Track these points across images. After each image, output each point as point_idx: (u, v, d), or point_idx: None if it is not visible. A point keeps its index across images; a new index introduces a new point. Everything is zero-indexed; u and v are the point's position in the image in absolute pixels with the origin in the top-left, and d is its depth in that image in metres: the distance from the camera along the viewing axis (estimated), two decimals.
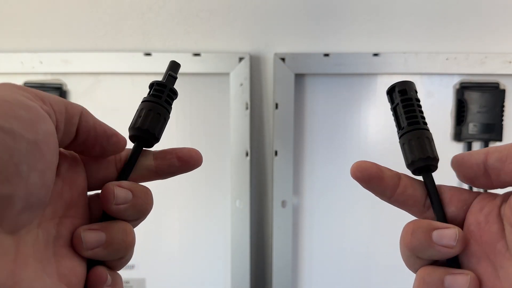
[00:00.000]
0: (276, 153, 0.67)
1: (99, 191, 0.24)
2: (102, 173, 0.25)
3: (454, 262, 0.23)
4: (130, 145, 0.26)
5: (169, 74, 0.27)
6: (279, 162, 0.67)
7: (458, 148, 0.67)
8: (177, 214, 0.70)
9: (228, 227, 0.69)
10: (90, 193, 0.25)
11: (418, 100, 0.26)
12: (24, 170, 0.19)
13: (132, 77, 0.68)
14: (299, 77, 0.68)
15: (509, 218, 0.22)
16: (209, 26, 0.68)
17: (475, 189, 0.26)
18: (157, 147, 0.27)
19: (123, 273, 0.75)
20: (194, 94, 0.68)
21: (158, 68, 0.66)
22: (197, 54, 0.66)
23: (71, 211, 0.23)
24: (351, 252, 0.71)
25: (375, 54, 0.66)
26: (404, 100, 0.26)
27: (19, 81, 0.67)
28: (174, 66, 0.27)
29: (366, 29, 0.68)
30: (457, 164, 0.24)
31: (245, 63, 0.66)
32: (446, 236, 0.22)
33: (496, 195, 0.24)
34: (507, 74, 0.66)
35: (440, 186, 0.25)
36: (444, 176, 0.27)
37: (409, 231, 0.23)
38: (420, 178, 0.25)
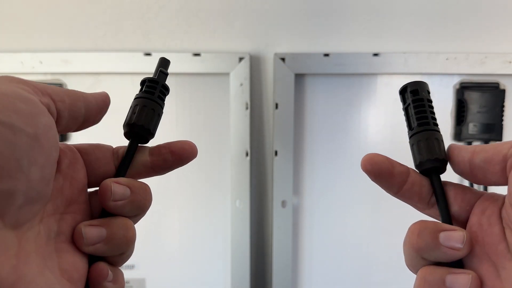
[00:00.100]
0: (276, 153, 0.67)
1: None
2: (102, 170, 0.25)
3: (456, 263, 0.23)
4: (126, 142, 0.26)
5: (160, 70, 0.27)
6: (279, 162, 0.67)
7: None
8: (177, 214, 0.70)
9: (228, 227, 0.69)
10: (90, 190, 0.25)
11: (430, 101, 0.26)
12: (25, 164, 0.19)
13: (132, 77, 0.68)
14: (299, 77, 0.68)
15: (507, 220, 0.22)
16: (209, 26, 0.68)
17: (475, 187, 0.26)
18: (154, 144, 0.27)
19: (123, 273, 0.75)
20: (194, 94, 0.68)
21: None
22: (197, 54, 0.66)
23: (72, 207, 0.23)
24: (351, 252, 0.71)
25: (375, 54, 0.66)
26: (415, 100, 0.26)
27: None
28: (164, 63, 0.27)
29: (366, 29, 0.68)
30: (448, 157, 0.25)
31: (245, 63, 0.66)
32: (454, 238, 0.22)
33: (498, 196, 0.24)
34: (507, 74, 0.66)
35: (446, 183, 0.25)
36: (446, 174, 0.27)
37: (415, 231, 0.23)
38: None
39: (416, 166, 0.25)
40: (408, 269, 0.25)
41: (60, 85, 0.67)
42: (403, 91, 0.26)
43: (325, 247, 0.71)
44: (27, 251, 0.20)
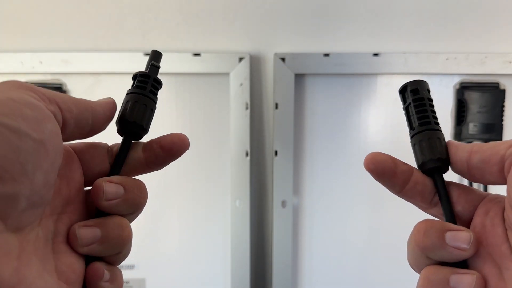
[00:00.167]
0: (276, 153, 0.67)
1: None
2: (98, 168, 0.25)
3: (461, 263, 0.23)
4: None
5: (151, 64, 0.26)
6: (279, 162, 0.67)
7: None
8: (177, 214, 0.70)
9: (228, 227, 0.69)
10: (87, 188, 0.25)
11: (431, 100, 0.26)
12: (29, 169, 0.19)
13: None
14: (299, 77, 0.68)
15: (509, 222, 0.22)
16: (209, 26, 0.68)
17: (475, 185, 0.26)
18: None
19: (123, 273, 0.75)
20: (194, 94, 0.68)
21: None
22: (197, 54, 0.66)
23: (69, 207, 0.23)
24: (351, 252, 0.71)
25: (375, 54, 0.66)
26: (416, 100, 0.25)
27: None
28: (156, 56, 0.27)
29: (366, 29, 0.68)
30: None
31: (245, 63, 0.66)
32: (460, 238, 0.22)
33: (502, 198, 0.24)
34: (507, 74, 0.66)
35: (449, 183, 0.25)
36: (447, 174, 0.27)
37: (421, 230, 0.23)
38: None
39: (419, 166, 0.25)
40: (409, 268, 0.25)
41: (60, 85, 0.67)
42: (403, 91, 0.26)
43: (325, 247, 0.71)
44: (28, 254, 0.20)
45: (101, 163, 0.25)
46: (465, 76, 0.67)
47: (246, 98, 0.67)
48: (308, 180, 0.70)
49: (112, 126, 0.26)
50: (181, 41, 0.68)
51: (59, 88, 0.67)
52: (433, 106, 0.25)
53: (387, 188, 0.25)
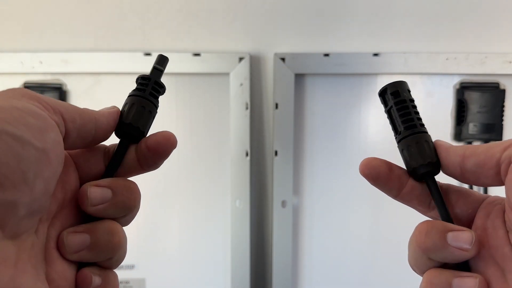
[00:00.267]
0: (276, 153, 0.67)
1: None
2: (93, 171, 0.25)
3: (463, 266, 0.23)
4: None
5: (154, 67, 0.26)
6: (279, 162, 0.67)
7: None
8: (177, 214, 0.70)
9: (228, 227, 0.69)
10: None
11: (413, 101, 0.25)
12: (30, 177, 0.19)
13: (132, 77, 0.67)
14: (299, 77, 0.68)
15: (509, 224, 0.22)
16: (209, 26, 0.68)
17: (475, 188, 0.26)
18: None
19: (123, 273, 0.75)
20: (194, 94, 0.68)
21: None
22: (197, 54, 0.66)
23: (64, 211, 0.23)
24: (351, 252, 0.71)
25: (375, 54, 0.66)
26: (397, 102, 0.25)
27: (19, 81, 0.67)
28: (161, 60, 0.27)
29: (366, 29, 0.68)
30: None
31: (245, 63, 0.66)
32: (462, 238, 0.22)
33: (502, 199, 0.23)
34: (507, 74, 0.66)
35: (449, 186, 0.25)
36: (445, 177, 0.27)
37: (423, 231, 0.23)
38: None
39: (410, 172, 0.25)
40: (409, 269, 0.25)
41: (60, 85, 0.67)
42: (383, 93, 0.25)
43: (325, 247, 0.71)
44: (23, 261, 0.20)
45: (96, 165, 0.25)
46: (465, 76, 0.67)
47: (246, 98, 0.67)
48: (308, 180, 0.70)
49: None
50: (181, 41, 0.68)
51: (59, 88, 0.67)
52: (415, 107, 0.25)
53: (384, 192, 0.25)
